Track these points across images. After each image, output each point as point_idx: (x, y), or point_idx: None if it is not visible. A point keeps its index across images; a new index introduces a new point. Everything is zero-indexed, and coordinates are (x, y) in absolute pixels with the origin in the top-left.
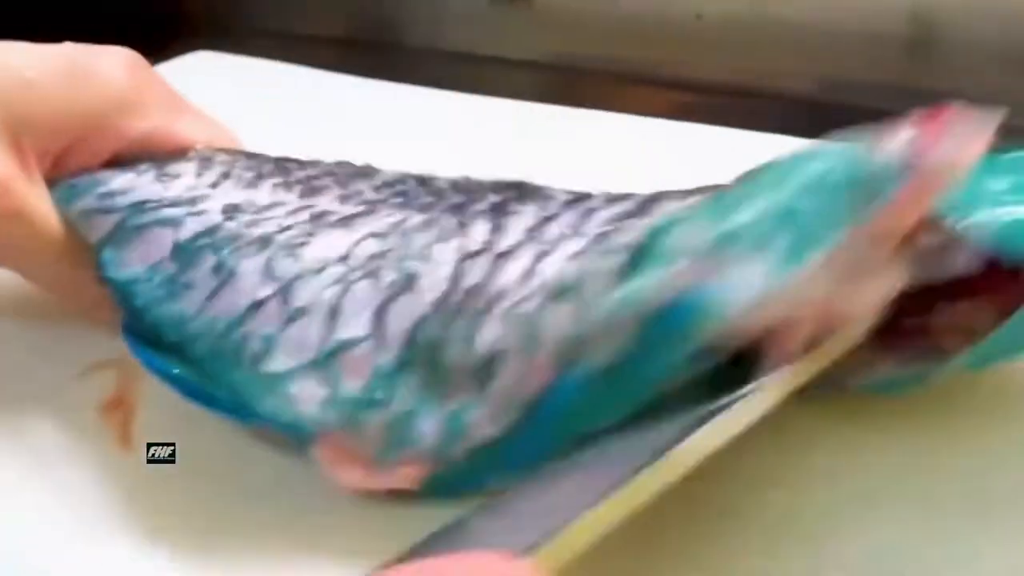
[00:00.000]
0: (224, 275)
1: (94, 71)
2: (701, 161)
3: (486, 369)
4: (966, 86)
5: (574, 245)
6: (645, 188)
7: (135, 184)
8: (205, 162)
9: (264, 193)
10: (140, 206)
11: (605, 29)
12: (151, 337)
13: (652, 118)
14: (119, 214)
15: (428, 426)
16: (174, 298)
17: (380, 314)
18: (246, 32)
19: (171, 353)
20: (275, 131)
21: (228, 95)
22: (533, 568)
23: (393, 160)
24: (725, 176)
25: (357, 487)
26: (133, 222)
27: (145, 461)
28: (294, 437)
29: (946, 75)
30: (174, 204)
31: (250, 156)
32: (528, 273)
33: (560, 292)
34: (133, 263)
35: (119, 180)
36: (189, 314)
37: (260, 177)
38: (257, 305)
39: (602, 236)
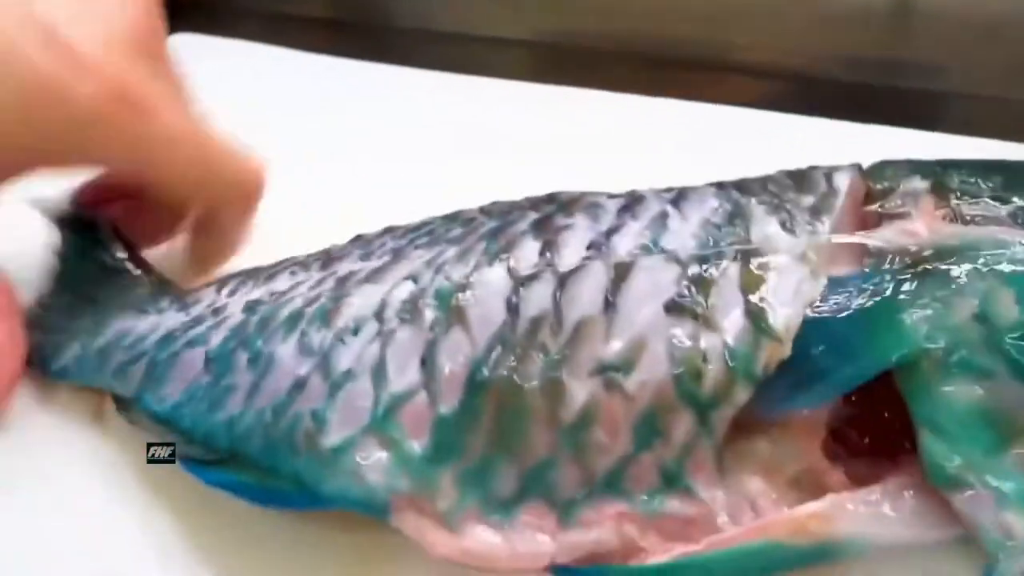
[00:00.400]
0: (261, 366)
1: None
2: (689, 138)
3: (577, 428)
4: (946, 58)
5: (662, 269)
6: (639, 166)
7: (159, 323)
8: (224, 280)
9: (283, 281)
10: (166, 339)
11: (595, 6)
12: (208, 456)
13: (644, 96)
14: (149, 355)
15: (506, 480)
16: (217, 406)
17: (429, 359)
18: (230, 13)
19: (230, 464)
20: (260, 116)
21: (212, 80)
22: None
23: (383, 143)
24: (711, 152)
25: (446, 555)
26: (163, 356)
27: (114, 435)
28: (369, 511)
29: (927, 47)
30: (197, 323)
31: (272, 265)
32: (610, 304)
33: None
34: (173, 394)
35: (144, 325)
36: (235, 416)
37: (278, 271)
38: (300, 384)
39: (702, 259)
